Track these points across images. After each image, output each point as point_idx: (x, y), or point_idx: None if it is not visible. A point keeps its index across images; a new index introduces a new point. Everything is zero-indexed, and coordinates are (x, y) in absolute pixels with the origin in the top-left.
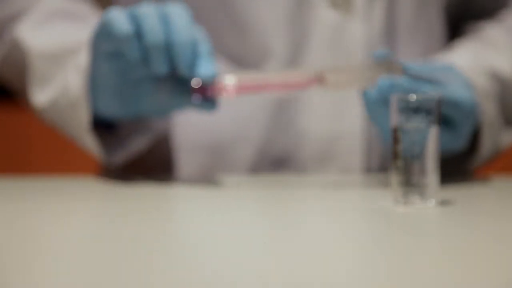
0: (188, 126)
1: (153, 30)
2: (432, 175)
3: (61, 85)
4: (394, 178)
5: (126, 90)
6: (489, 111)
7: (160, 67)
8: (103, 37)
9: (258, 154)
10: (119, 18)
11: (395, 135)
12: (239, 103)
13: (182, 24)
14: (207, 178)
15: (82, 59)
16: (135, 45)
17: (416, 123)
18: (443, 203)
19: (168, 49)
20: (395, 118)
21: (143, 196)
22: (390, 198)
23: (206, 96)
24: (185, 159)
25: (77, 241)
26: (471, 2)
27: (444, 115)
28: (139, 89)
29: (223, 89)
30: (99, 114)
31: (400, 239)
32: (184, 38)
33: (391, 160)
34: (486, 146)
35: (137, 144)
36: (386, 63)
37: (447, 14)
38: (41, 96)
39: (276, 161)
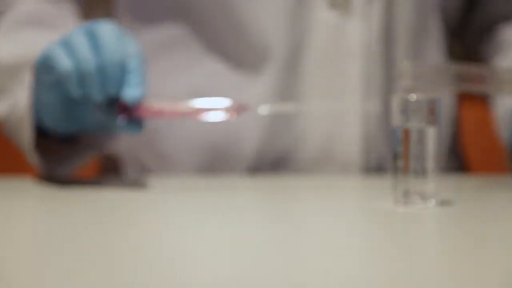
0: (187, 125)
1: (86, 59)
2: (432, 175)
3: (12, 100)
4: (394, 178)
5: (66, 111)
6: None
7: (96, 95)
8: (45, 69)
9: (258, 154)
10: (59, 53)
11: (395, 136)
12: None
13: (111, 45)
14: (206, 177)
15: (27, 77)
16: (75, 78)
17: (416, 123)
18: (443, 203)
19: (100, 73)
20: (396, 118)
21: (142, 196)
22: (390, 198)
23: (132, 118)
24: (184, 158)
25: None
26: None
27: None
28: (77, 111)
29: (147, 111)
30: (45, 127)
31: (400, 239)
32: (112, 60)
33: (391, 160)
34: None
35: (78, 161)
36: None
37: (446, 16)
38: None
39: (275, 161)
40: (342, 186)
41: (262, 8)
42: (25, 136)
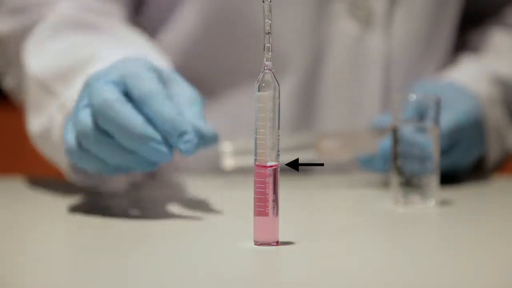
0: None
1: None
2: (432, 175)
3: (47, 121)
4: (394, 178)
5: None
6: (494, 116)
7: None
8: (108, 125)
9: None
10: (134, 117)
11: (395, 136)
12: (236, 103)
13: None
14: (207, 176)
15: (69, 100)
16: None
17: (416, 123)
18: (443, 203)
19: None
20: (395, 118)
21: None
22: (390, 198)
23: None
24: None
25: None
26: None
27: (448, 143)
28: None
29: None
30: None
31: (400, 239)
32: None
33: (391, 161)
34: (495, 151)
35: (114, 185)
36: (382, 130)
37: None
38: (33, 124)
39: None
40: (342, 186)
41: (282, 17)
42: (62, 162)
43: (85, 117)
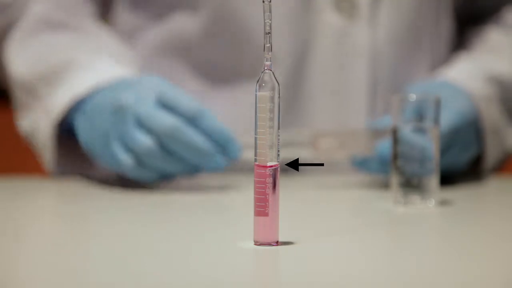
0: None
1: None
2: (432, 175)
3: (33, 122)
4: (394, 178)
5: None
6: (491, 115)
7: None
8: (176, 146)
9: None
10: (196, 136)
11: (395, 136)
12: (233, 102)
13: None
14: (207, 176)
15: (55, 105)
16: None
17: (416, 123)
18: (443, 203)
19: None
20: (395, 119)
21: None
22: (390, 198)
23: None
24: None
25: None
26: (474, 2)
27: (444, 144)
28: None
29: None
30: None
31: (400, 239)
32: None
33: (391, 161)
34: (493, 150)
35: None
36: (382, 131)
37: (456, 17)
38: (21, 123)
39: (283, 160)
40: (342, 186)
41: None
42: (47, 158)
43: (146, 140)
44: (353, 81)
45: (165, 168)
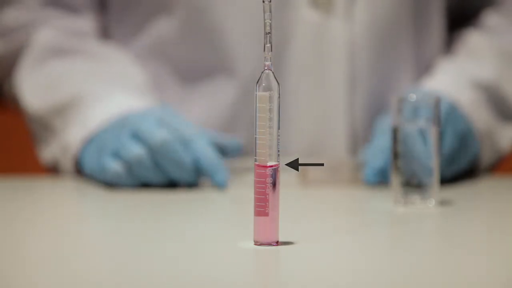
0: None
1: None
2: (432, 175)
3: (53, 157)
4: (394, 178)
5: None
6: (482, 119)
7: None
8: (165, 160)
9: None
10: (185, 156)
11: (395, 136)
12: (211, 99)
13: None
14: None
15: (71, 140)
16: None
17: (416, 123)
18: (443, 203)
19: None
20: (395, 118)
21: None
22: (390, 198)
23: None
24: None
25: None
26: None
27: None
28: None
29: None
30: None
31: (400, 239)
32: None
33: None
34: (487, 152)
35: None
36: (365, 163)
37: (448, 14)
38: (43, 156)
39: None
40: (342, 186)
41: (243, 8)
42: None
43: (139, 150)
44: (332, 76)
45: (152, 178)
